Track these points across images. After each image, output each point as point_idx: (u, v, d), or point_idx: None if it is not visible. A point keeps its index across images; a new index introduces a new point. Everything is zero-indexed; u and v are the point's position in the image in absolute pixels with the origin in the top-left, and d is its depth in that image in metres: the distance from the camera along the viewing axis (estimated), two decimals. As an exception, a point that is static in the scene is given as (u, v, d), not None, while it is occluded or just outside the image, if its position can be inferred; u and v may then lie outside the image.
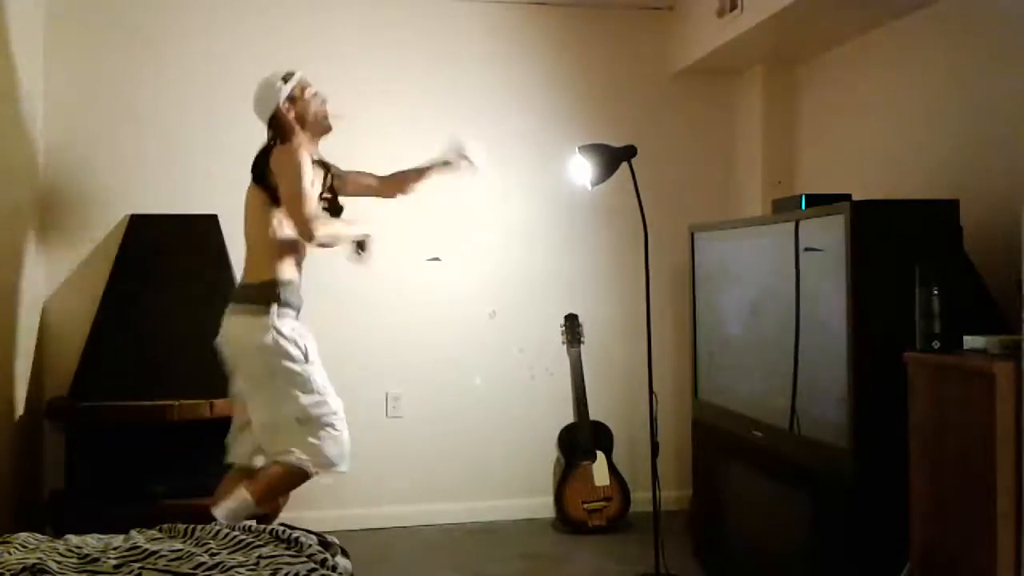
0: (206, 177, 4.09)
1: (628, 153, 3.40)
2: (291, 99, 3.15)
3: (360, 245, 3.32)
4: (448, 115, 4.31)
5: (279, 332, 3.03)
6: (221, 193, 4.07)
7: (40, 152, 3.94)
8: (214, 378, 3.70)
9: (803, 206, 2.91)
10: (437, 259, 4.28)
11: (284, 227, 3.09)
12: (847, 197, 2.76)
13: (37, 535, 2.36)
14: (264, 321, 3.03)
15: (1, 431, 3.45)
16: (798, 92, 4.25)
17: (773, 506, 3.01)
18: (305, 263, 3.24)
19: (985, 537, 2.14)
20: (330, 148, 4.06)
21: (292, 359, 3.04)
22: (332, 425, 3.06)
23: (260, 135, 4.15)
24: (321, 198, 3.22)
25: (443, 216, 4.30)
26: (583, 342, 4.34)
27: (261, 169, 3.10)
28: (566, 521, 4.14)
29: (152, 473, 3.67)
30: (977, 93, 3.06)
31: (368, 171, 3.48)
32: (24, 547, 2.24)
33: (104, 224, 4.00)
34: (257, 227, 3.13)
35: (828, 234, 2.68)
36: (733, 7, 3.77)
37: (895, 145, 3.51)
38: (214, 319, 3.85)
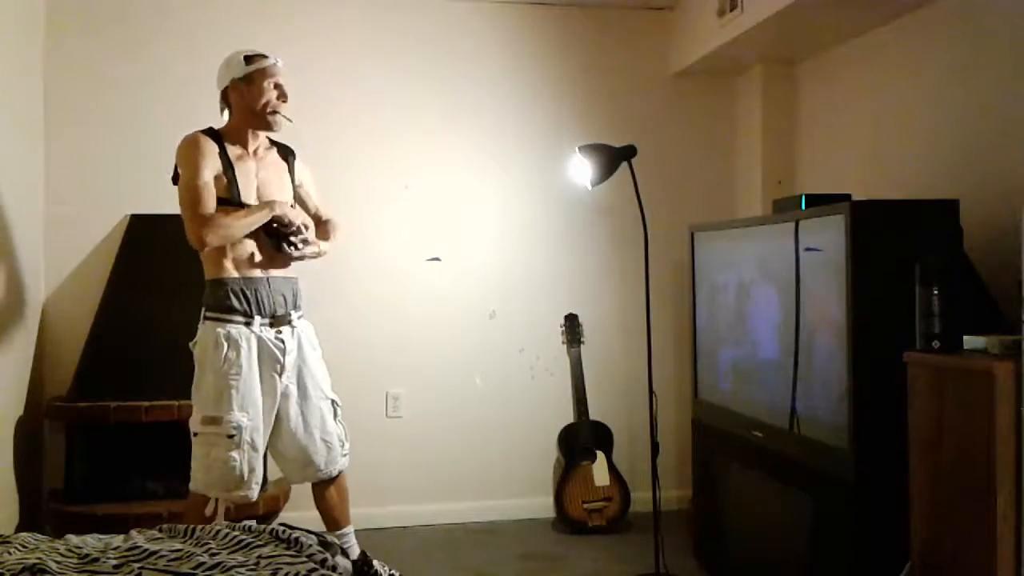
0: (206, 177, 4.09)
1: (628, 153, 3.40)
2: (247, 79, 2.92)
3: (282, 235, 2.92)
4: (448, 115, 4.32)
5: (203, 336, 2.86)
6: (221, 193, 4.08)
7: (40, 152, 3.94)
8: (214, 378, 3.72)
9: (803, 206, 2.91)
10: (437, 259, 4.28)
11: None
12: (847, 197, 2.76)
13: (37, 535, 2.35)
14: (200, 325, 2.90)
15: (1, 431, 3.45)
16: (798, 92, 4.25)
17: (773, 506, 3.01)
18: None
19: (985, 537, 2.14)
20: (329, 148, 4.09)
21: (204, 367, 2.85)
22: (225, 448, 2.80)
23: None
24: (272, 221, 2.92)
25: (443, 216, 4.30)
26: (583, 342, 4.34)
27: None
28: (566, 521, 4.14)
29: (152, 473, 3.67)
30: (977, 93, 3.06)
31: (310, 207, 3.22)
32: (24, 547, 2.23)
33: (104, 224, 4.00)
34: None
35: (828, 234, 2.68)
36: (733, 7, 3.77)
37: (895, 145, 3.51)
38: (214, 319, 3.86)
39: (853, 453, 2.54)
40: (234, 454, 2.81)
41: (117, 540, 2.32)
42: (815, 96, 4.13)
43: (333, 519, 3.11)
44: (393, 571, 3.34)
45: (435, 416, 4.30)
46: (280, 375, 2.93)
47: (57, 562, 2.11)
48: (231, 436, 2.81)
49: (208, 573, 2.06)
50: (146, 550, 2.20)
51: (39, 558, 2.11)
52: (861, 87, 3.75)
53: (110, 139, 4.03)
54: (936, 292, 2.37)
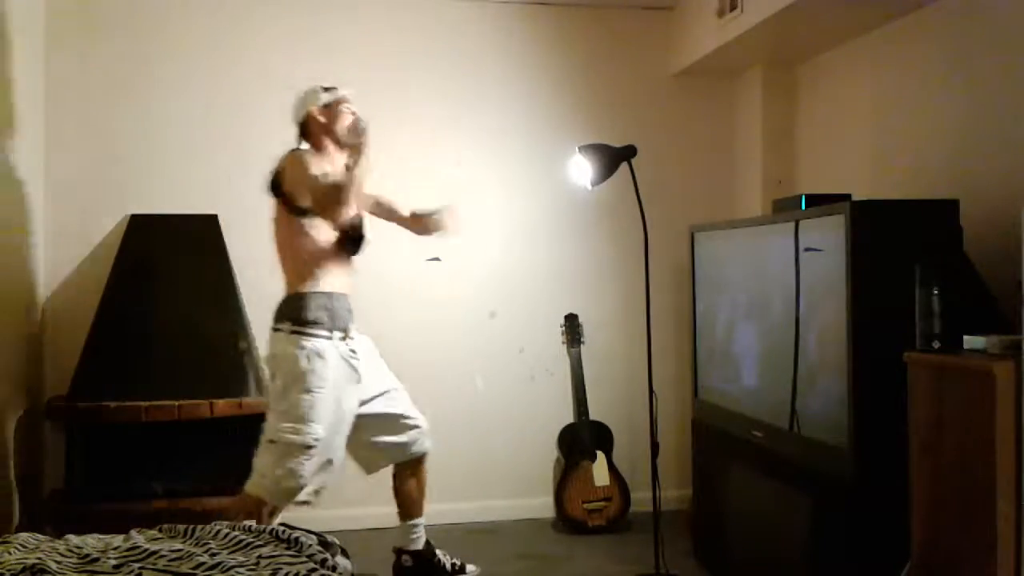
0: (206, 177, 4.09)
1: (628, 153, 3.40)
2: (326, 106, 3.16)
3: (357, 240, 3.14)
4: (448, 115, 4.32)
5: (289, 349, 2.97)
6: (221, 193, 4.09)
7: (41, 152, 3.94)
8: (214, 378, 3.72)
9: (803, 206, 2.91)
10: (437, 259, 4.28)
11: (309, 239, 3.04)
12: (847, 197, 2.76)
13: (37, 535, 2.36)
14: (278, 336, 3.01)
15: (1, 431, 3.45)
16: (798, 92, 4.25)
17: (773, 506, 3.01)
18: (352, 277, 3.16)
19: (985, 537, 2.14)
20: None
21: (288, 379, 2.96)
22: (299, 458, 2.94)
23: (260, 135, 4.16)
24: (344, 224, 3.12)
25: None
26: (583, 342, 4.34)
27: (275, 181, 3.07)
28: (566, 521, 4.14)
29: (152, 473, 3.67)
30: (977, 93, 3.06)
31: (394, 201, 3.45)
32: (24, 547, 2.23)
33: (104, 224, 4.00)
34: (279, 240, 3.11)
35: (828, 234, 2.68)
36: (733, 7, 3.77)
37: (895, 145, 3.51)
38: (214, 319, 3.87)
39: (853, 453, 2.54)
40: (307, 465, 2.96)
41: (117, 540, 2.33)
42: (815, 96, 4.13)
43: (409, 508, 3.41)
44: (455, 560, 3.44)
45: (435, 416, 4.28)
46: (357, 383, 3.13)
47: (57, 562, 2.11)
48: (310, 447, 2.96)
49: (208, 573, 2.07)
50: (146, 550, 2.20)
51: (39, 558, 2.11)
52: (861, 87, 3.75)
53: (110, 139, 4.03)
54: (936, 292, 2.37)
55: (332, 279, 3.08)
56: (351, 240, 3.11)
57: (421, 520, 3.44)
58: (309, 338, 2.98)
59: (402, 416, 3.32)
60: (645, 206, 3.41)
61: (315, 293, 3.02)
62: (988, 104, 3.00)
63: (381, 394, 3.27)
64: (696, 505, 3.67)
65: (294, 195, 3.02)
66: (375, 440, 3.28)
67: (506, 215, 4.37)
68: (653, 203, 3.59)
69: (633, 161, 3.39)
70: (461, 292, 4.33)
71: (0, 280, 3.50)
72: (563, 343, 4.35)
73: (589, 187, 3.46)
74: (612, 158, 3.40)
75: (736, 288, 3.41)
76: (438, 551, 3.49)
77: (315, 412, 2.96)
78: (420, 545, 3.44)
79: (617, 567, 3.65)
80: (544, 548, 3.93)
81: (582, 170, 3.44)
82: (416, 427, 3.36)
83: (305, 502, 3.08)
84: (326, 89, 3.18)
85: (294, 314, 3.00)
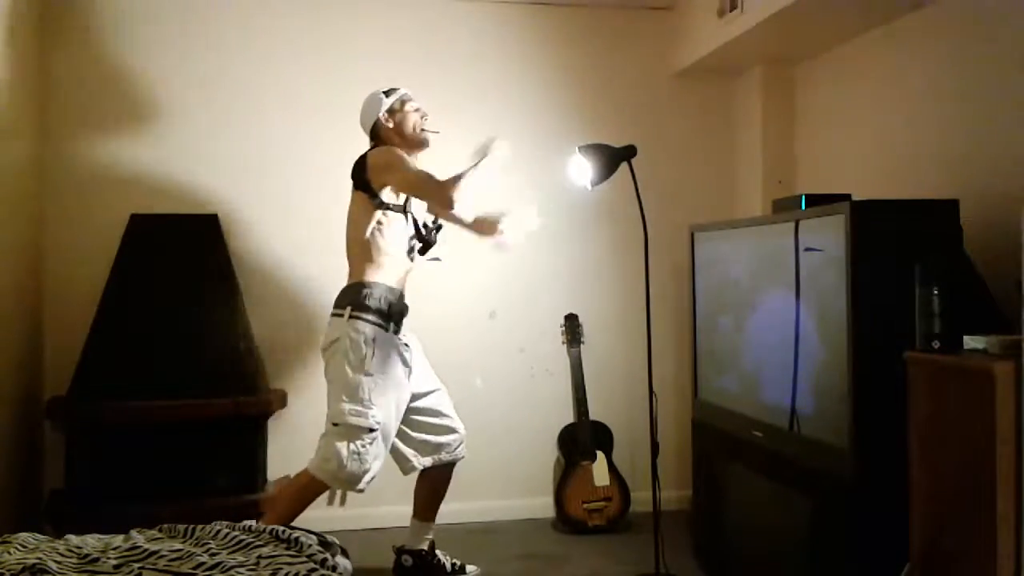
0: (206, 177, 4.09)
1: (628, 153, 3.40)
2: (390, 111, 3.31)
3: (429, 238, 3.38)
4: (447, 114, 4.30)
5: (350, 333, 3.08)
6: (221, 193, 4.09)
7: (41, 152, 3.94)
8: (214, 378, 3.72)
9: (803, 206, 2.91)
10: (437, 259, 4.27)
11: (382, 233, 3.18)
12: (847, 197, 2.76)
13: (37, 535, 2.36)
14: (339, 321, 3.11)
15: (1, 431, 3.45)
16: (798, 92, 4.25)
17: (773, 506, 3.01)
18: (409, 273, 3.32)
19: (985, 537, 2.14)
20: (327, 148, 4.08)
21: (350, 363, 3.07)
22: (363, 441, 3.06)
23: (260, 135, 4.18)
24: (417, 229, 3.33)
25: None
26: (583, 342, 4.34)
27: (359, 171, 3.19)
28: (566, 521, 4.14)
29: (152, 473, 3.67)
30: (977, 93, 3.06)
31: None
32: (24, 547, 2.24)
33: (104, 224, 4.00)
34: (351, 229, 3.23)
35: (828, 234, 2.68)
36: (733, 7, 3.77)
37: (895, 145, 3.51)
38: (214, 319, 3.87)
39: (853, 453, 2.54)
40: (371, 448, 3.07)
41: (117, 540, 2.33)
42: (815, 96, 4.13)
43: (425, 509, 3.47)
44: (455, 560, 3.46)
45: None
46: (410, 376, 3.25)
47: (57, 562, 2.11)
48: (372, 430, 3.07)
49: (208, 573, 2.07)
50: (146, 550, 2.20)
51: (39, 558, 2.11)
52: (861, 87, 3.75)
53: (110, 139, 4.03)
54: (936, 292, 2.37)
55: (395, 274, 3.23)
56: (423, 241, 3.33)
57: (432, 525, 3.50)
58: (368, 324, 3.10)
59: (447, 417, 3.44)
60: (645, 206, 3.41)
61: (379, 284, 3.16)
62: (988, 104, 3.00)
63: (431, 391, 3.41)
64: (696, 505, 3.67)
65: (382, 187, 3.16)
66: (420, 437, 3.37)
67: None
68: (653, 203, 3.59)
69: (633, 161, 3.39)
70: (461, 292, 4.33)
71: (0, 280, 3.50)
72: (563, 343, 4.35)
73: (589, 187, 3.46)
74: (612, 158, 3.40)
75: (736, 288, 3.41)
76: (438, 551, 3.50)
77: (376, 396, 3.08)
78: (424, 546, 3.47)
79: (617, 567, 3.65)
80: (544, 548, 3.93)
81: (582, 170, 3.44)
82: (457, 431, 3.46)
83: (360, 490, 3.14)
84: (386, 93, 3.32)
85: (356, 300, 3.11)
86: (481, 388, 4.33)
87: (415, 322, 4.25)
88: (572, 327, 4.34)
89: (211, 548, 2.24)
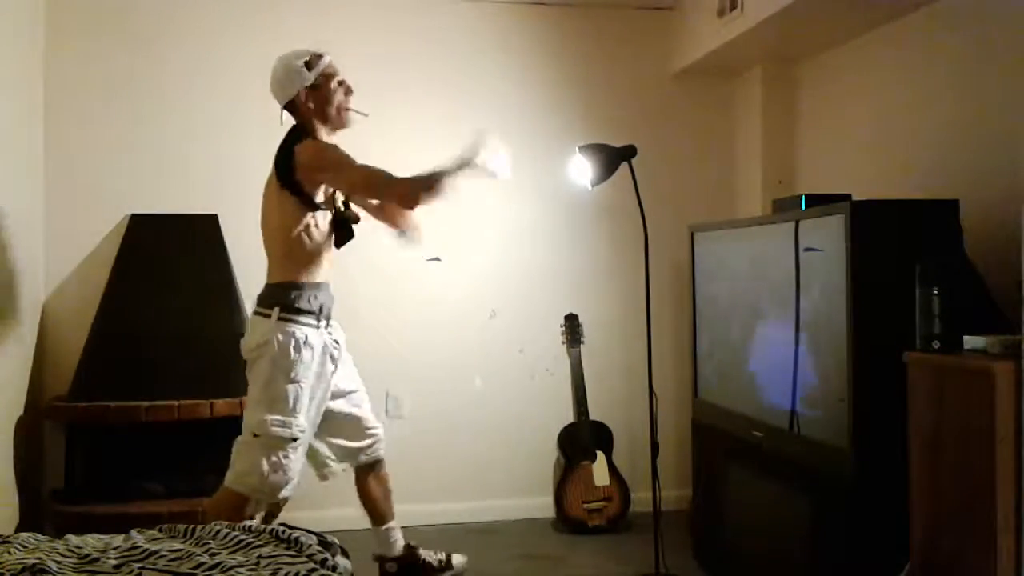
0: (206, 177, 4.09)
1: (628, 153, 3.40)
2: (313, 87, 2.93)
3: (349, 225, 3.04)
4: (447, 114, 4.31)
5: (278, 337, 2.84)
6: (221, 193, 4.09)
7: (41, 152, 3.94)
8: (214, 378, 3.72)
9: (803, 206, 2.91)
10: (437, 259, 4.28)
11: (311, 232, 2.91)
12: (847, 197, 2.76)
13: (37, 535, 2.35)
14: (264, 323, 2.86)
15: (1, 431, 3.45)
16: (798, 92, 4.25)
17: (773, 506, 3.01)
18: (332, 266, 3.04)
19: (985, 537, 2.14)
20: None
21: (278, 368, 2.84)
22: (285, 452, 2.84)
23: (260, 135, 4.16)
24: (334, 206, 3.02)
25: (443, 216, 4.29)
26: (583, 342, 4.34)
27: (285, 169, 2.87)
28: (566, 521, 4.14)
29: (152, 473, 3.67)
30: (977, 93, 3.06)
31: None
32: (24, 547, 2.23)
33: (104, 224, 4.00)
34: (274, 226, 2.94)
35: (828, 234, 2.68)
36: (733, 7, 3.77)
37: (895, 145, 3.51)
38: (214, 319, 3.86)
39: (853, 453, 2.54)
40: (293, 457, 2.87)
41: (117, 540, 2.33)
42: (815, 96, 4.13)
43: (378, 513, 3.26)
44: (440, 555, 3.39)
45: (435, 416, 4.30)
46: (333, 374, 3.02)
47: (57, 562, 2.11)
48: (295, 440, 2.87)
49: (208, 573, 2.06)
50: (146, 550, 2.20)
51: (39, 558, 2.11)
52: (861, 87, 3.75)
53: (110, 139, 4.03)
54: (936, 292, 2.37)
55: (322, 269, 2.97)
56: (345, 231, 3.01)
57: (393, 523, 3.31)
58: (300, 326, 2.87)
59: (363, 419, 3.20)
60: (645, 206, 3.41)
61: (308, 283, 2.91)
62: (988, 104, 3.00)
63: (349, 393, 3.16)
64: (696, 505, 3.67)
65: (316, 186, 2.88)
66: (332, 440, 3.15)
67: (506, 215, 4.37)
68: (653, 203, 3.59)
69: (633, 161, 3.39)
70: (461, 292, 4.33)
71: (0, 280, 3.50)
72: (563, 343, 4.35)
73: (589, 187, 3.46)
74: (612, 158, 3.40)
75: (736, 288, 3.41)
76: (420, 550, 3.38)
77: (300, 403, 2.86)
78: (399, 550, 3.32)
79: (617, 567, 3.65)
80: (544, 548, 3.93)
81: (582, 170, 3.44)
82: (374, 433, 3.23)
83: (284, 499, 2.99)
84: (307, 64, 2.91)
85: (286, 301, 2.86)
86: (481, 388, 4.33)
87: (416, 322, 4.29)
88: (572, 327, 4.34)
89: (211, 548, 2.24)
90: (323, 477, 3.21)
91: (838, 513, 2.62)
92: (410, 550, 3.36)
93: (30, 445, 3.76)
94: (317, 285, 2.95)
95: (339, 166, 2.85)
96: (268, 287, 2.94)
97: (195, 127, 4.11)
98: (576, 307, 4.39)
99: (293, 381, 2.85)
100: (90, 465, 3.67)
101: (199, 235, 3.95)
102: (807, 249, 2.86)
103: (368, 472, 3.24)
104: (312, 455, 3.12)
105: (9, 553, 2.17)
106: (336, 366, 3.03)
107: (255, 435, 2.85)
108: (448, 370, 4.31)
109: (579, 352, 4.31)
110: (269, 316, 2.86)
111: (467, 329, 4.34)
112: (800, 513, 2.83)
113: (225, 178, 4.11)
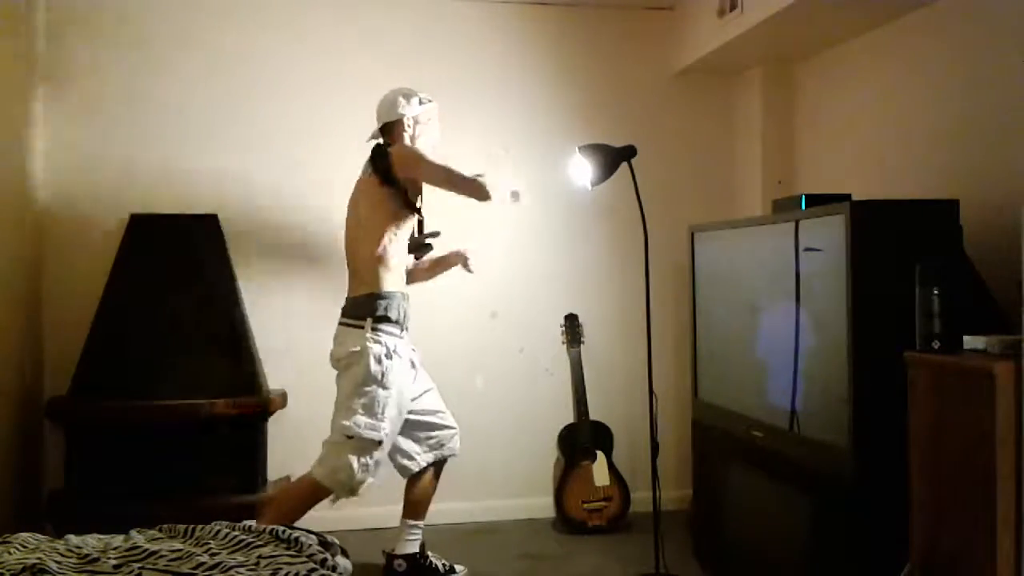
0: (206, 177, 4.09)
1: (628, 153, 3.40)
2: (415, 120, 3.29)
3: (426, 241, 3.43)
4: (447, 114, 4.30)
5: (372, 346, 3.07)
6: (221, 193, 4.09)
7: (41, 152, 3.94)
8: (214, 378, 3.73)
9: (803, 206, 2.91)
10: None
11: (397, 238, 3.18)
12: (847, 197, 2.76)
13: (37, 535, 2.36)
14: (357, 333, 3.09)
15: (1, 431, 3.45)
16: (798, 92, 4.26)
17: (773, 506, 3.01)
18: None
19: (985, 537, 2.14)
20: (327, 147, 4.09)
21: (372, 375, 3.07)
22: (373, 454, 3.09)
23: (260, 135, 4.17)
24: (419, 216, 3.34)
25: (443, 216, 4.29)
26: (583, 342, 4.34)
27: (385, 168, 3.14)
28: (566, 521, 4.14)
29: (152, 473, 3.67)
30: (977, 93, 3.06)
31: None
32: (24, 547, 2.23)
33: (104, 224, 3.99)
34: (369, 229, 3.17)
35: (828, 234, 2.68)
36: (733, 7, 3.77)
37: (895, 145, 3.51)
38: (214, 319, 3.87)
39: (853, 453, 2.54)
40: (379, 459, 3.12)
41: (117, 540, 2.33)
42: (815, 96, 4.13)
43: (417, 509, 3.46)
44: (444, 562, 3.44)
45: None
46: (416, 380, 3.32)
47: (57, 562, 2.11)
48: (380, 443, 3.10)
49: (208, 573, 2.07)
50: (146, 550, 2.20)
51: (39, 558, 2.11)
52: (861, 87, 3.75)
53: (110, 139, 4.03)
54: (936, 292, 2.37)
55: (402, 280, 3.25)
56: (423, 244, 3.38)
57: (421, 524, 3.48)
58: (389, 336, 3.12)
59: (442, 414, 3.46)
60: (645, 206, 3.41)
61: (394, 293, 3.16)
62: (988, 104, 3.00)
63: (426, 391, 3.41)
64: (696, 505, 3.67)
65: (406, 182, 3.15)
66: (419, 436, 3.39)
67: (506, 215, 4.37)
68: (653, 203, 3.59)
69: (633, 161, 3.39)
70: (461, 292, 4.32)
71: (0, 280, 3.50)
72: (563, 343, 4.35)
73: (589, 187, 3.46)
74: (612, 158, 3.40)
75: (736, 288, 3.41)
76: (430, 553, 3.48)
77: (388, 409, 3.10)
78: (415, 548, 3.45)
79: (617, 567, 3.65)
80: (544, 548, 3.93)
81: (582, 170, 3.44)
82: (450, 427, 3.48)
83: (359, 495, 3.18)
84: (423, 100, 3.30)
85: (376, 311, 3.11)
86: (481, 388, 4.33)
87: (415, 322, 4.28)
88: (572, 327, 4.34)
89: (211, 548, 2.24)
90: (404, 474, 3.44)
91: (838, 513, 2.62)
92: (422, 551, 3.47)
93: (29, 445, 3.76)
94: (401, 295, 3.20)
95: (428, 162, 3.16)
96: (355, 299, 3.17)
97: (196, 127, 4.11)
98: (576, 307, 4.39)
99: (385, 387, 3.09)
100: (90, 465, 3.67)
101: (199, 235, 3.95)
102: (807, 249, 2.86)
103: (430, 468, 3.45)
104: (393, 455, 3.34)
105: (9, 553, 2.17)
106: (417, 371, 3.32)
107: (348, 437, 3.07)
108: (449, 370, 4.30)
109: (579, 352, 4.31)
110: (359, 327, 3.10)
111: (467, 329, 4.34)
112: (800, 513, 2.83)
113: (225, 178, 4.11)
